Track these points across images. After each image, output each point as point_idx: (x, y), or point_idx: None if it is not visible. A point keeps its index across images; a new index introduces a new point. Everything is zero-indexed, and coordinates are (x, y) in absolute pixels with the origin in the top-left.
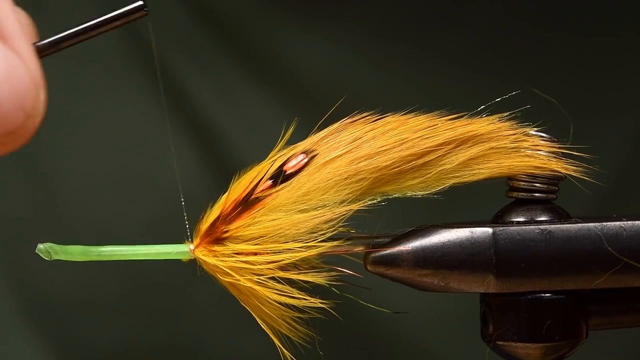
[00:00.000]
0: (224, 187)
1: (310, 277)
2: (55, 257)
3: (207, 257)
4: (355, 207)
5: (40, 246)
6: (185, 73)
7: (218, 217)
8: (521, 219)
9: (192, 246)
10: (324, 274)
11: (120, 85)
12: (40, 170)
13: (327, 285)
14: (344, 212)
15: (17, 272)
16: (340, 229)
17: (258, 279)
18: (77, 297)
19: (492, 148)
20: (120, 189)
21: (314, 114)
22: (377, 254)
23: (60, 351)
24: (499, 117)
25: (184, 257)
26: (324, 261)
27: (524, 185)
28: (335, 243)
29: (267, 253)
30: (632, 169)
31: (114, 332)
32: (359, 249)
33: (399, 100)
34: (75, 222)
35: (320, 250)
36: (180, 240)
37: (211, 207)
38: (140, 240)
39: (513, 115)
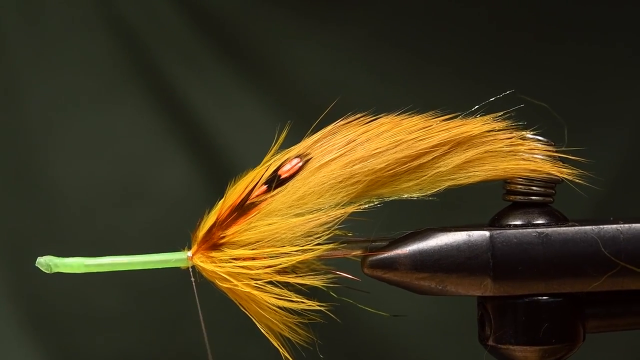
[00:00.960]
0: (221, 193)
1: (307, 280)
2: (55, 269)
3: (205, 263)
4: (350, 209)
5: (40, 260)
6: (181, 79)
7: (214, 224)
8: (518, 222)
9: (189, 253)
10: (321, 276)
11: (116, 94)
12: (40, 181)
13: (325, 290)
14: (340, 215)
15: (18, 284)
16: (337, 232)
17: (256, 283)
18: (78, 308)
19: (487, 151)
20: (118, 198)
21: (309, 116)
22: (374, 257)
23: None
24: (493, 117)
25: (183, 265)
26: (323, 264)
27: (521, 188)
28: (331, 245)
29: (264, 257)
30: (628, 173)
31: (115, 342)
32: (356, 252)
33: (392, 103)
34: (74, 232)
35: (316, 253)
36: (178, 249)
37: (207, 214)
38: (139, 248)
39: (507, 116)
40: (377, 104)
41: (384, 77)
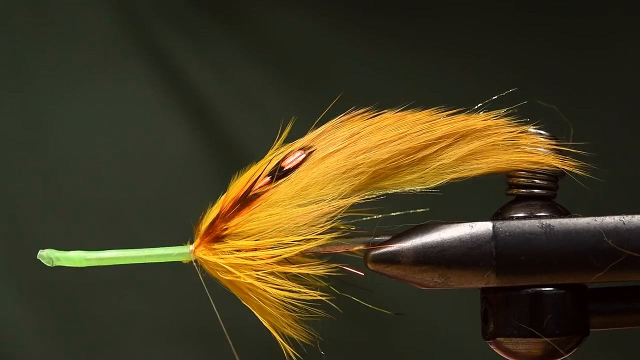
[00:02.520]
0: (222, 168)
1: (309, 270)
2: (56, 263)
3: (208, 255)
4: (352, 200)
5: (42, 253)
6: (183, 56)
7: (217, 216)
8: (521, 215)
9: (192, 247)
10: (322, 266)
11: (118, 70)
12: (44, 154)
13: (327, 283)
14: (342, 205)
15: (22, 251)
16: (340, 226)
17: (258, 274)
18: (83, 273)
19: (490, 144)
20: (120, 173)
21: (314, 112)
22: (377, 251)
23: (66, 325)
24: (496, 114)
25: (185, 259)
26: (326, 260)
27: (523, 181)
28: (334, 234)
29: (267, 248)
30: (630, 169)
31: (120, 306)
32: (359, 247)
33: (396, 98)
34: (78, 205)
35: (319, 242)
36: (179, 242)
37: (210, 207)
38: (142, 223)
39: (511, 111)
40: (380, 96)
41: (388, 71)
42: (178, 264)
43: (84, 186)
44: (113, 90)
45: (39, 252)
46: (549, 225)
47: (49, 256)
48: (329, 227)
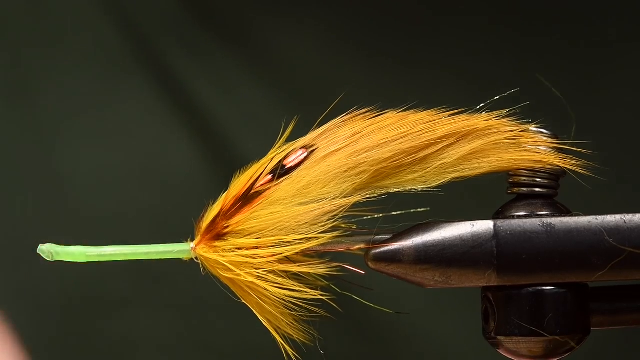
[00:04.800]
0: (225, 180)
1: (310, 269)
2: (56, 257)
3: (208, 253)
4: (354, 199)
5: (42, 247)
6: (184, 67)
7: (218, 214)
8: (522, 213)
9: (192, 244)
10: (324, 265)
11: (121, 85)
12: (44, 167)
13: (327, 282)
14: (344, 204)
15: (24, 267)
16: (341, 225)
17: (258, 273)
18: (86, 291)
19: (492, 142)
20: (123, 186)
21: (314, 112)
22: (377, 250)
23: (69, 345)
24: (498, 114)
25: (185, 256)
26: (328, 259)
27: (525, 180)
28: (335, 233)
29: (268, 246)
30: (631, 168)
31: (123, 326)
32: (360, 245)
33: (397, 99)
34: (79, 217)
35: (320, 241)
36: (180, 240)
37: (212, 205)
38: (144, 236)
39: (512, 111)
40: (381, 97)
41: (393, 92)
42: (184, 280)
43: (87, 198)
44: (117, 106)
45: (39, 247)
46: (550, 224)
47: (49, 250)
48: (330, 225)
